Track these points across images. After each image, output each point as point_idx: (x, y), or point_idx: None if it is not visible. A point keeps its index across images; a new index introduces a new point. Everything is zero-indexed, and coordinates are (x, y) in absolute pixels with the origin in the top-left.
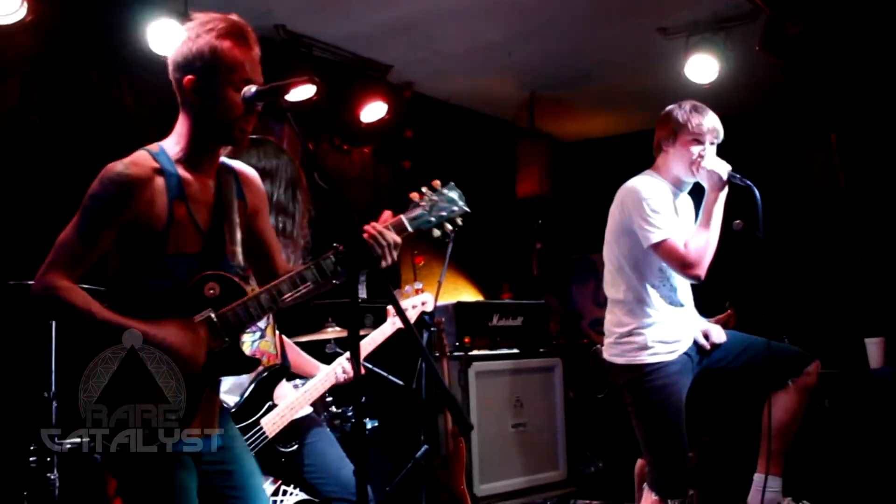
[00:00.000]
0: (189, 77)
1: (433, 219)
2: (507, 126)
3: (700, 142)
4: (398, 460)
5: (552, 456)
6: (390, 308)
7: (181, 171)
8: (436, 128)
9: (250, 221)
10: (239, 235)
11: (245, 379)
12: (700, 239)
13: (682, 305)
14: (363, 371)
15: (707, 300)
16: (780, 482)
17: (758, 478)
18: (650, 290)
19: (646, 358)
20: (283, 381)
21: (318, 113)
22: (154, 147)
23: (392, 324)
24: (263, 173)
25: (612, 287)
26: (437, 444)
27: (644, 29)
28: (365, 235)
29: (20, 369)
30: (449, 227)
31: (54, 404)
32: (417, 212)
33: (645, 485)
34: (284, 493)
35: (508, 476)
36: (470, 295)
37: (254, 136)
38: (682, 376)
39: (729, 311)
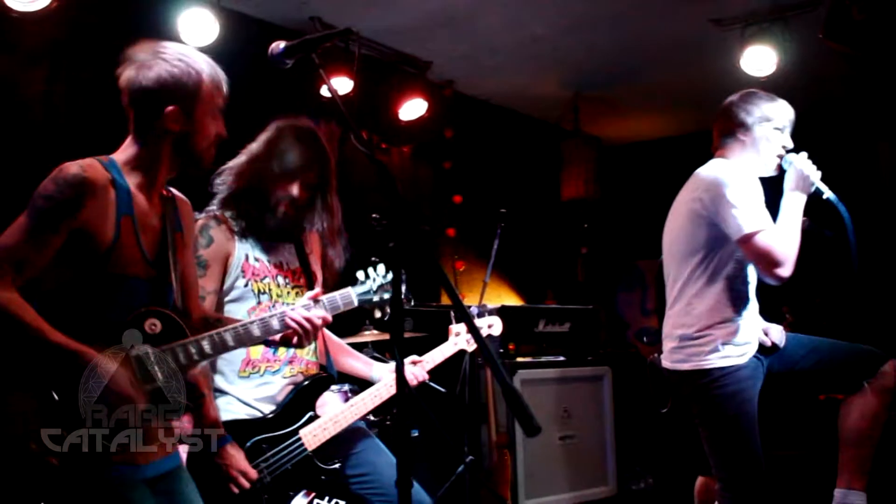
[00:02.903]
0: (172, 108)
1: (376, 298)
2: (550, 128)
3: (781, 130)
4: (441, 471)
5: (601, 470)
6: (452, 327)
7: (132, 188)
8: (477, 128)
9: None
10: (179, 269)
11: (280, 387)
12: (788, 235)
13: (752, 305)
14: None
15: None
16: (863, 497)
17: (839, 493)
18: (725, 287)
19: (715, 361)
20: (328, 393)
21: (356, 109)
22: (104, 158)
23: (454, 344)
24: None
25: (680, 284)
26: (480, 455)
27: (697, 20)
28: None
29: None
30: (385, 309)
31: None
32: (364, 288)
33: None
34: None
35: (555, 491)
36: (512, 302)
37: (295, 121)
38: (754, 381)
39: (788, 317)
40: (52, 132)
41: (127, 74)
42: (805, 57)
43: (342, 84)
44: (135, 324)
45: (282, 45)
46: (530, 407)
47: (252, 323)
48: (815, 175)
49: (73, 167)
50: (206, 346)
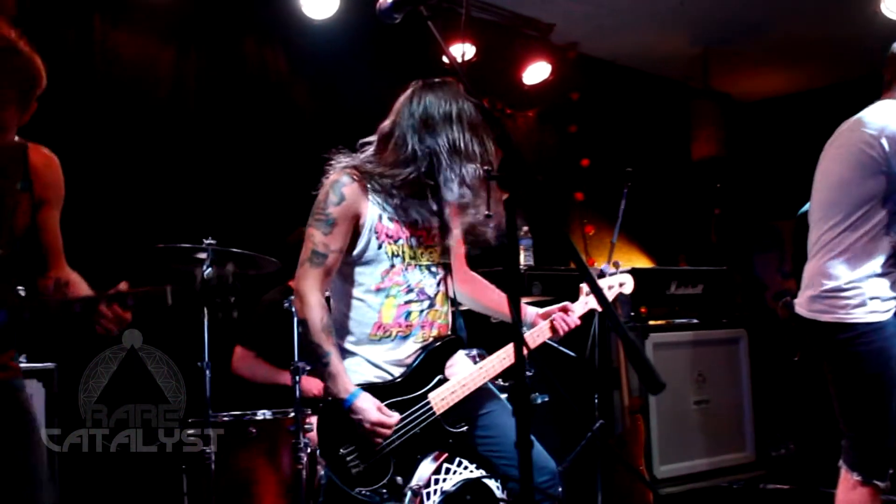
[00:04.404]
0: None
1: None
2: (678, 86)
3: None
4: (572, 437)
5: (738, 435)
6: (583, 286)
7: None
8: (603, 90)
9: (35, 213)
10: (12, 229)
11: (409, 350)
12: None
13: None
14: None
15: None
16: None
17: None
18: (885, 242)
19: (861, 316)
20: (458, 355)
21: (479, 75)
22: None
23: (584, 303)
24: (443, 119)
25: (836, 232)
26: (612, 420)
27: None
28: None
29: (174, 339)
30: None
31: (208, 374)
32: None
33: (841, 463)
34: (447, 471)
35: (691, 457)
36: (643, 265)
37: (436, 80)
38: None
39: None
40: (181, 112)
41: None
42: None
43: (463, 50)
44: None
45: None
46: (652, 363)
47: (53, 303)
48: None
49: None
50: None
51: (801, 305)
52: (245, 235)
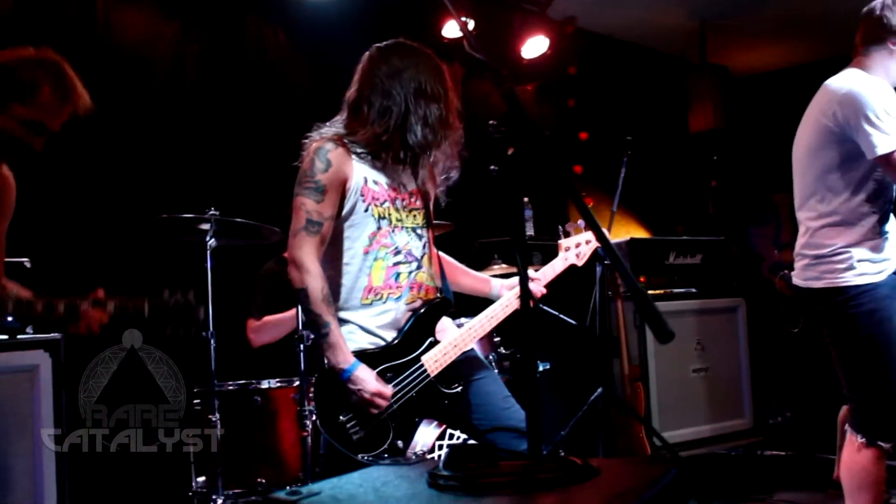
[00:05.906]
0: None
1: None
2: (676, 60)
3: None
4: (573, 404)
5: (736, 403)
6: (561, 242)
7: None
8: (601, 64)
9: None
10: None
11: (401, 314)
12: None
13: (893, 222)
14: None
15: None
16: None
17: None
18: (863, 205)
19: (851, 279)
20: (446, 320)
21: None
22: None
23: (564, 259)
24: (404, 68)
25: (813, 202)
26: (612, 388)
27: None
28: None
29: None
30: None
31: (213, 343)
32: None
33: (847, 427)
34: (451, 436)
35: (690, 424)
36: (641, 236)
37: (390, 41)
38: (892, 301)
39: None
40: (182, 87)
41: None
42: None
43: (458, 26)
44: None
45: None
46: (661, 312)
47: (38, 302)
48: None
49: None
50: None
51: (797, 276)
52: (247, 206)
